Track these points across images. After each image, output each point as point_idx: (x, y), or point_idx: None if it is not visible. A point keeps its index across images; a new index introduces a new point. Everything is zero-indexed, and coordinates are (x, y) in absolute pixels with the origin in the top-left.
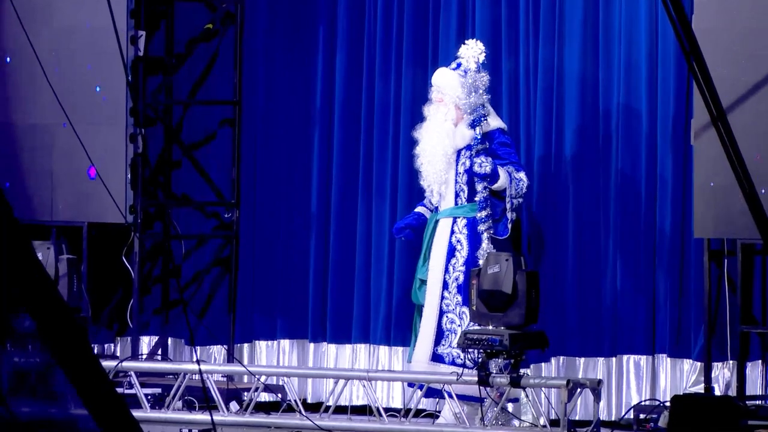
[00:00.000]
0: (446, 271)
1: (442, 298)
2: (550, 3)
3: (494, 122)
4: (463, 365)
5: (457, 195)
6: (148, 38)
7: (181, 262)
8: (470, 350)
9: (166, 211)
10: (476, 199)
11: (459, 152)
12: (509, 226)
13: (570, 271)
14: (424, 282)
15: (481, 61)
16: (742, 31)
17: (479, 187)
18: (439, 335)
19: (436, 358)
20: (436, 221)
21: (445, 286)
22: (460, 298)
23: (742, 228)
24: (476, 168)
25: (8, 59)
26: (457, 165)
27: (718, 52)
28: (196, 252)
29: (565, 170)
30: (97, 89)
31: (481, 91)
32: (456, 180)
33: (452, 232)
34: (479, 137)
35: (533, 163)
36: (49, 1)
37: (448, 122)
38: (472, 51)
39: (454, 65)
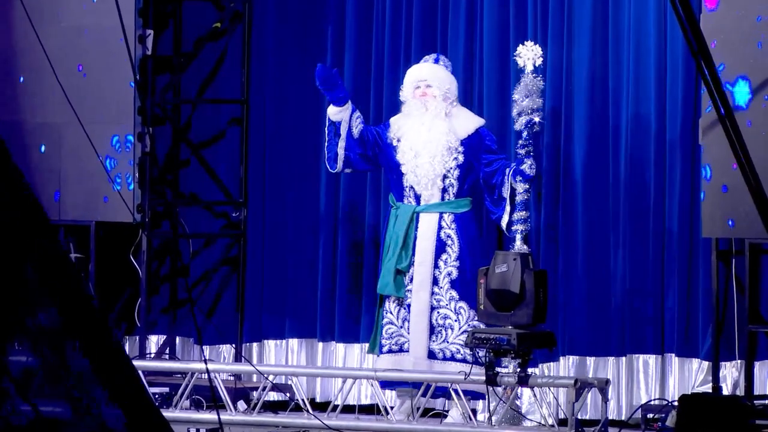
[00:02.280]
0: (435, 266)
1: (432, 293)
2: (558, 3)
3: (478, 119)
4: (464, 360)
5: (445, 190)
6: (156, 37)
7: (189, 261)
8: (478, 349)
9: (173, 210)
10: (518, 199)
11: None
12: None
13: (579, 271)
14: (400, 272)
15: (537, 65)
16: (749, 31)
17: (521, 188)
18: (430, 331)
19: (430, 354)
20: (416, 214)
21: (435, 281)
22: (454, 294)
23: (750, 227)
24: (527, 170)
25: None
26: (449, 159)
27: (725, 52)
28: (204, 251)
29: (574, 170)
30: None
31: (536, 95)
32: (446, 175)
33: (440, 227)
34: (530, 140)
35: (542, 162)
36: (57, 0)
37: (441, 115)
38: (533, 53)
39: (432, 59)
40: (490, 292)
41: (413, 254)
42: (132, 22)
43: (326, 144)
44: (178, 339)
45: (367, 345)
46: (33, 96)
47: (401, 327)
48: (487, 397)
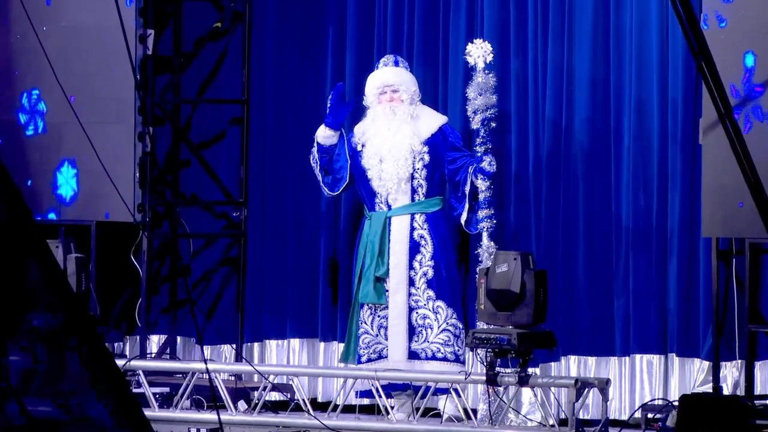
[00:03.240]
0: (410, 267)
1: (409, 295)
2: (559, 2)
3: (440, 117)
4: (444, 359)
5: (414, 191)
6: (156, 37)
7: (190, 261)
8: (478, 349)
9: (173, 210)
10: (481, 197)
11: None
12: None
13: (581, 270)
14: (379, 280)
15: (488, 61)
16: (750, 31)
17: (483, 185)
18: (411, 332)
19: (412, 355)
20: (387, 219)
21: (411, 282)
22: (431, 293)
23: (751, 227)
24: (487, 167)
25: (17, 73)
26: (414, 161)
27: (726, 53)
28: (204, 251)
29: (576, 170)
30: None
31: (490, 92)
32: (413, 176)
33: (412, 228)
34: (488, 138)
35: (543, 161)
36: (58, 0)
37: (407, 118)
38: (481, 50)
39: (391, 62)
40: (491, 292)
41: (389, 258)
42: (132, 22)
43: (318, 169)
44: (178, 339)
45: None
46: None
47: (377, 335)
48: (488, 396)
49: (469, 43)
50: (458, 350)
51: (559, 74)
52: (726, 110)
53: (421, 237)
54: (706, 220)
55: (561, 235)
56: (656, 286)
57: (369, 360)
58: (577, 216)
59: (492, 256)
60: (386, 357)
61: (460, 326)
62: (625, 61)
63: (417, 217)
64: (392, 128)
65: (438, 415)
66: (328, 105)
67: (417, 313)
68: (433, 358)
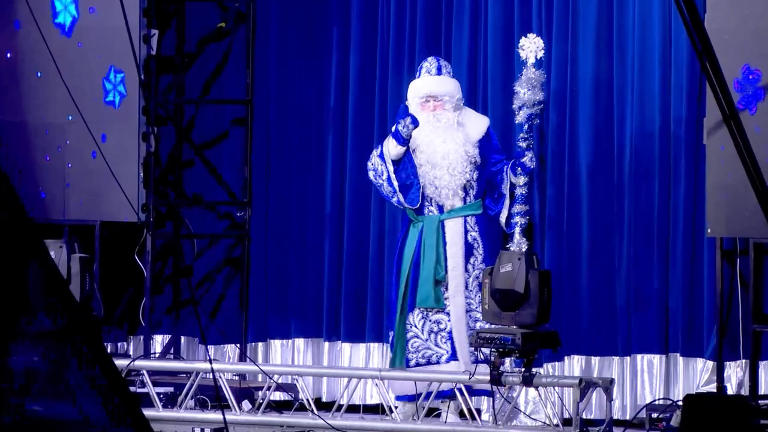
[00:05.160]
0: (465, 270)
1: (465, 297)
2: (563, 1)
3: (484, 119)
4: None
5: (466, 193)
6: (160, 37)
7: (193, 261)
8: (482, 349)
9: (177, 211)
10: (517, 192)
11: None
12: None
13: (584, 270)
14: (439, 283)
15: (539, 57)
16: (754, 31)
17: (521, 181)
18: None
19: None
20: (441, 222)
21: (465, 285)
22: None
23: (755, 227)
24: (528, 162)
25: (9, 55)
26: (465, 163)
27: (730, 52)
28: (208, 251)
29: (579, 169)
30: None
31: (538, 87)
32: (465, 178)
33: (466, 230)
34: (531, 134)
35: (547, 161)
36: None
37: (455, 125)
38: (534, 45)
39: (434, 69)
40: (495, 292)
41: (446, 261)
42: (136, 22)
43: (389, 182)
44: (182, 339)
45: (375, 344)
46: (37, 96)
47: (427, 340)
48: (492, 396)
49: (523, 37)
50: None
51: (563, 73)
52: (730, 110)
53: (474, 239)
54: (711, 220)
55: (565, 234)
56: (658, 286)
57: (417, 365)
58: (580, 214)
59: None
60: (436, 363)
61: None
62: (627, 60)
63: (469, 219)
64: (441, 135)
65: (439, 416)
66: (397, 124)
67: (470, 316)
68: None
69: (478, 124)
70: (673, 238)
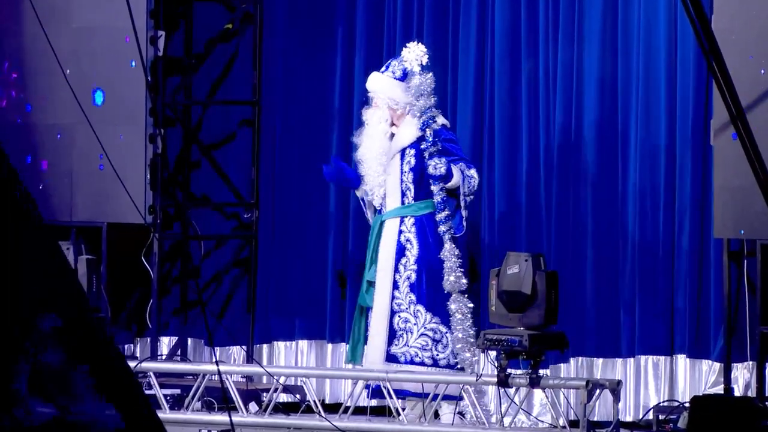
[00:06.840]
0: (396, 270)
1: (393, 298)
2: (569, 4)
3: (439, 120)
4: (422, 363)
5: (403, 194)
6: (167, 38)
7: (200, 262)
8: (489, 351)
9: (184, 212)
10: (435, 200)
11: (403, 151)
12: (464, 224)
13: (589, 271)
14: (371, 284)
15: (424, 63)
16: (761, 31)
17: (435, 188)
18: (392, 335)
19: (390, 358)
20: (382, 223)
21: (395, 286)
22: (413, 297)
23: (762, 228)
24: (431, 170)
25: (30, 71)
26: (402, 164)
27: (737, 52)
28: (215, 252)
29: (585, 170)
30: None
31: (428, 93)
32: (401, 179)
33: (400, 231)
34: (430, 139)
35: (553, 163)
36: (69, 1)
37: (383, 124)
38: (415, 54)
39: (383, 68)
40: (502, 293)
41: (377, 261)
42: (143, 24)
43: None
44: (189, 340)
45: None
46: (43, 97)
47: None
48: (498, 398)
49: (404, 48)
50: (437, 355)
51: (569, 76)
52: (737, 111)
53: (407, 240)
54: (718, 221)
55: (571, 236)
56: (666, 287)
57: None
58: (586, 216)
59: (456, 263)
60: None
61: (443, 330)
62: (633, 61)
63: (406, 220)
64: (372, 132)
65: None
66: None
67: (399, 316)
68: (411, 362)
69: (412, 128)
70: (680, 239)
